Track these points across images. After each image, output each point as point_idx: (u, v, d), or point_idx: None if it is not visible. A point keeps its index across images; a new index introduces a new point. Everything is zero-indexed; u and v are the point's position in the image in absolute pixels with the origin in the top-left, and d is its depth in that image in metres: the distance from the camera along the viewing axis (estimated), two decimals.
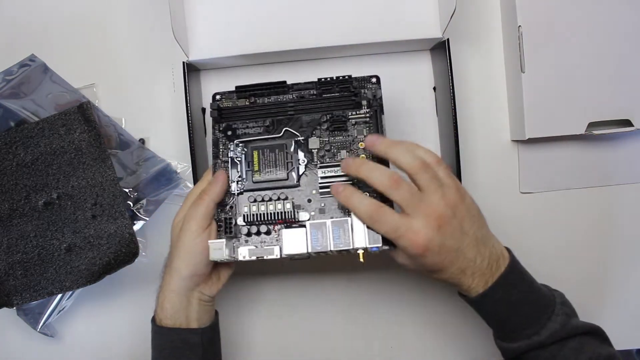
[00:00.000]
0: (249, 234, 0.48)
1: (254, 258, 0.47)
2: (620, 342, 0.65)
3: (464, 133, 0.62)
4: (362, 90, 0.51)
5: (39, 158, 0.55)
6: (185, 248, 0.48)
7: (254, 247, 0.48)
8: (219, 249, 0.47)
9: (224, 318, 0.55)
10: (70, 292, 0.59)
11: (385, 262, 0.63)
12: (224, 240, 0.47)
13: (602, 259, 0.64)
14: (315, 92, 0.51)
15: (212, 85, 0.63)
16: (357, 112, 0.50)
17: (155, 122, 0.63)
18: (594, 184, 0.63)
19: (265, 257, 0.47)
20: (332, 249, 0.45)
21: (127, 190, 0.57)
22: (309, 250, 0.45)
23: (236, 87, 0.52)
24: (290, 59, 0.62)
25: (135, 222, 0.57)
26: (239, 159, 0.50)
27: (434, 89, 0.63)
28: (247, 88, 0.52)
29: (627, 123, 0.59)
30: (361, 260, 0.45)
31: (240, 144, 0.50)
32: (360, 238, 0.45)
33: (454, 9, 0.55)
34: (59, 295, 0.58)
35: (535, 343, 0.45)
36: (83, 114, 0.56)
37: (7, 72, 0.58)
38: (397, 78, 0.63)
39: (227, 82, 0.63)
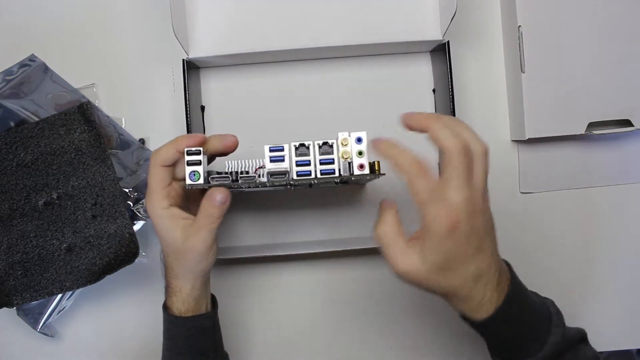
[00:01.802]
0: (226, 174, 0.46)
1: (228, 175, 0.45)
2: (619, 341, 0.65)
3: None
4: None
5: (39, 158, 0.55)
6: (161, 233, 0.46)
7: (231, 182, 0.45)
8: (195, 171, 0.44)
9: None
10: (70, 292, 0.59)
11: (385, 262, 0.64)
12: (199, 157, 0.44)
13: (602, 258, 0.64)
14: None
15: (212, 84, 0.63)
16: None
17: (155, 122, 0.63)
18: (594, 184, 0.63)
19: (241, 174, 0.45)
20: (319, 175, 0.43)
21: (127, 190, 0.57)
22: (294, 177, 0.43)
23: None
24: (289, 58, 0.62)
25: (135, 222, 0.57)
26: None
27: (434, 91, 0.63)
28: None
29: (627, 123, 0.59)
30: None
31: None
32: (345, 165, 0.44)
33: (455, 11, 0.55)
34: (59, 295, 0.58)
35: None
36: (83, 114, 0.56)
37: (7, 72, 0.58)
38: (397, 80, 0.63)
39: (227, 81, 0.63)
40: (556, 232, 0.64)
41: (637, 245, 0.64)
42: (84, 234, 0.55)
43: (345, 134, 0.43)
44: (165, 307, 0.49)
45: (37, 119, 0.56)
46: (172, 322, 0.49)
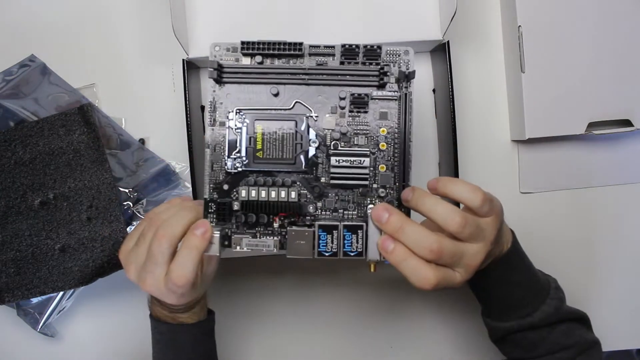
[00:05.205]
0: (246, 223, 0.43)
1: (249, 250, 0.42)
2: (619, 341, 0.65)
3: (463, 133, 0.62)
4: (391, 65, 0.44)
5: (37, 157, 0.55)
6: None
7: (250, 238, 0.42)
8: (211, 243, 0.41)
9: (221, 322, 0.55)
10: (71, 292, 0.59)
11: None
12: (217, 234, 0.41)
13: (602, 258, 0.64)
14: (336, 60, 0.44)
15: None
16: (383, 92, 0.43)
17: (155, 122, 0.63)
18: (594, 184, 0.63)
19: (263, 250, 0.42)
20: (341, 256, 0.41)
21: (126, 190, 0.57)
22: (316, 257, 0.41)
23: (242, 42, 0.44)
24: None
25: (134, 222, 0.57)
26: (239, 130, 0.43)
27: (434, 91, 0.63)
28: (255, 45, 0.44)
29: (627, 123, 0.59)
30: (372, 271, 0.42)
31: (241, 112, 0.44)
32: (374, 249, 0.41)
33: (455, 11, 0.55)
34: (59, 295, 0.58)
35: (526, 324, 0.45)
36: (83, 116, 0.56)
37: (7, 73, 0.58)
38: None
39: None
40: (556, 232, 0.64)
41: (637, 245, 0.64)
42: (78, 236, 0.55)
43: (375, 256, 0.41)
44: (157, 319, 0.49)
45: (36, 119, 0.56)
46: (178, 332, 0.48)
